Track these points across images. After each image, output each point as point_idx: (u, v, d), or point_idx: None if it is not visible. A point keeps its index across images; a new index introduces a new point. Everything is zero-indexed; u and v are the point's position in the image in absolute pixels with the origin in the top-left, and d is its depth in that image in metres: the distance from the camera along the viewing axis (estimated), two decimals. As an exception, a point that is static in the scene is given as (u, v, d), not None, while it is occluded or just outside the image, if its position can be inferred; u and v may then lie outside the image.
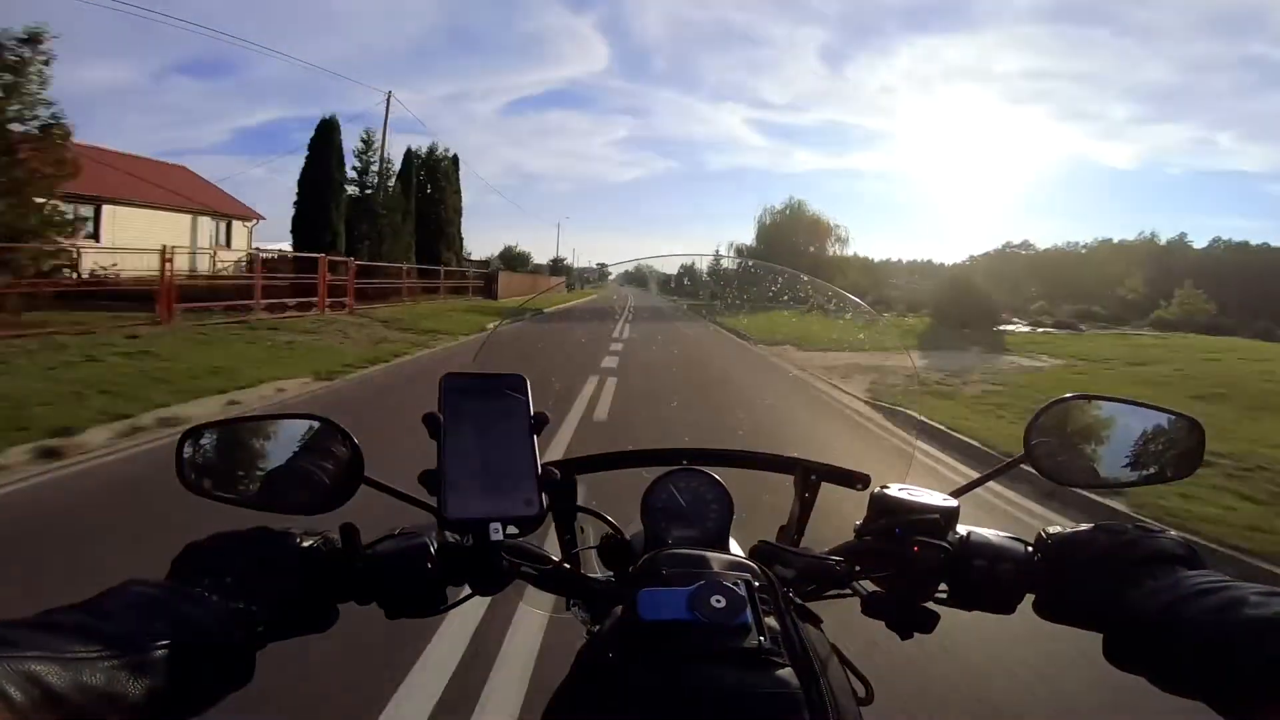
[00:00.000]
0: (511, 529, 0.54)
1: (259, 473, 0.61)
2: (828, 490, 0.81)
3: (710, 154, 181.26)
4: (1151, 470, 0.65)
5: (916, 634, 0.61)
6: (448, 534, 0.58)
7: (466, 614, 2.41)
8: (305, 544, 0.55)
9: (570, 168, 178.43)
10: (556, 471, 0.56)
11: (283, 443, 0.61)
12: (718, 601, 0.51)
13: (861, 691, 0.59)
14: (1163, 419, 0.66)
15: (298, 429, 0.62)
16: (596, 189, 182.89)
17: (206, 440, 0.62)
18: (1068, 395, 0.67)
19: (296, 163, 21.56)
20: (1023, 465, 0.67)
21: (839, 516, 0.74)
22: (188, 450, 0.62)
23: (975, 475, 0.73)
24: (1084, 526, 0.58)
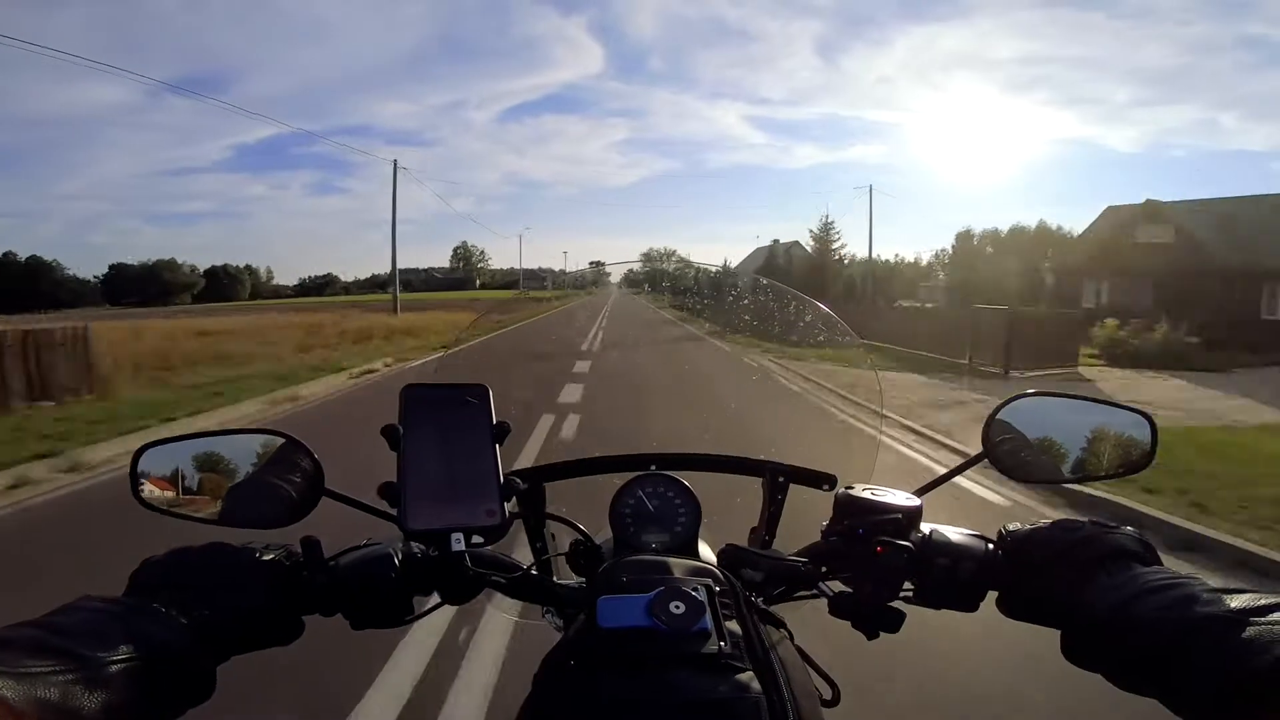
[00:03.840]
0: (475, 538, 0.54)
1: (218, 488, 0.61)
2: (801, 491, 0.81)
3: (710, 152, 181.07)
4: (1108, 464, 0.66)
5: (883, 633, 0.61)
6: (412, 545, 0.58)
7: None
8: (266, 557, 0.54)
9: (571, 173, 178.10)
10: (519, 481, 0.56)
11: (241, 458, 0.61)
12: (677, 607, 0.51)
13: (828, 693, 0.59)
14: (1116, 414, 0.67)
15: (256, 444, 0.61)
16: (598, 193, 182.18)
17: (163, 456, 0.61)
18: (1026, 392, 0.68)
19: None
20: (982, 463, 0.68)
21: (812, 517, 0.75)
22: (143, 466, 0.61)
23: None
24: (1043, 523, 0.58)
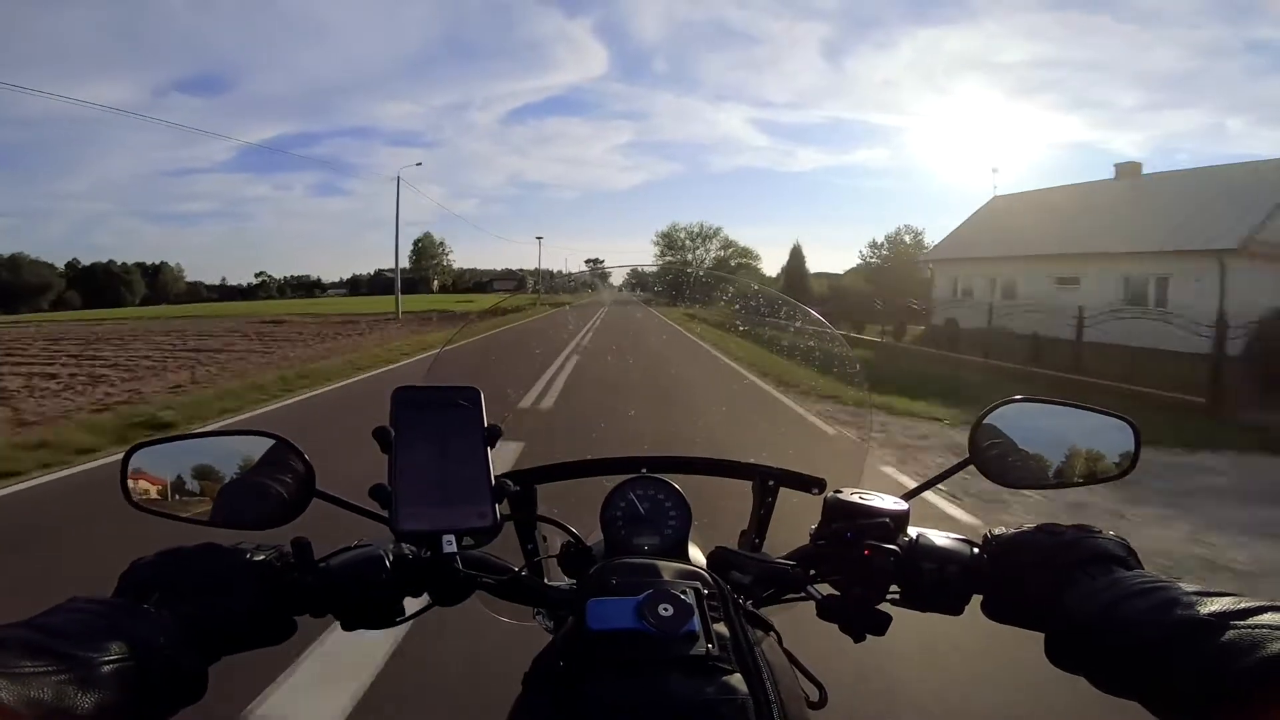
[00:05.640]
0: (466, 540, 0.55)
1: (209, 489, 0.60)
2: (792, 495, 0.83)
3: (714, 156, 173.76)
4: (1092, 469, 0.68)
5: (870, 636, 0.62)
6: (404, 546, 0.58)
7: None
8: (257, 558, 0.54)
9: (572, 175, 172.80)
10: (510, 483, 0.57)
11: (232, 459, 0.60)
12: (665, 610, 0.52)
13: (815, 695, 0.60)
14: (1100, 420, 0.68)
15: (248, 445, 0.61)
16: (600, 196, 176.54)
17: (154, 457, 0.61)
18: (1013, 397, 0.69)
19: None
20: (969, 468, 0.68)
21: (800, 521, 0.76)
22: (134, 467, 0.60)
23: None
24: (1027, 527, 0.59)
